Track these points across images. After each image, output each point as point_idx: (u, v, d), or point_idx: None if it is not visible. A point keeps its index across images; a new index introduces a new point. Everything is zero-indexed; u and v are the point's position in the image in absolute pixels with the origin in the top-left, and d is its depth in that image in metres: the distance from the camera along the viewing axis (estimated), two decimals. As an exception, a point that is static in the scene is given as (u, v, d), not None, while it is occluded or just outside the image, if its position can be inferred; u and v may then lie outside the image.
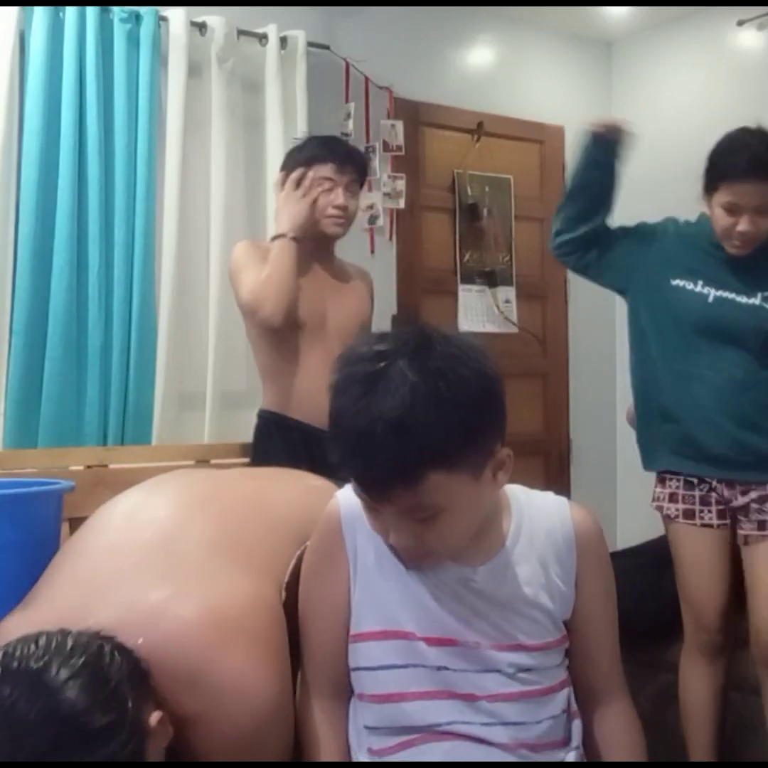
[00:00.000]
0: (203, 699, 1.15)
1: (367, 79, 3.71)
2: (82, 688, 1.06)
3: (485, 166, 4.12)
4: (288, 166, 2.58)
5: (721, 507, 2.35)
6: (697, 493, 2.36)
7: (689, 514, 2.37)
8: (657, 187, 4.11)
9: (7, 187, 2.95)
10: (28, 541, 1.64)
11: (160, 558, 1.28)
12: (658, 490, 2.43)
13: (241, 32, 3.40)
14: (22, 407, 2.93)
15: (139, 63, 3.16)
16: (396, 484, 1.06)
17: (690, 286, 2.35)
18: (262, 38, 3.44)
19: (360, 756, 1.22)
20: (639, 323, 2.45)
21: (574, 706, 1.26)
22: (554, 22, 4.26)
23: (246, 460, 2.65)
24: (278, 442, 2.54)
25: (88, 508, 2.48)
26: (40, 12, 2.97)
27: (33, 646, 1.09)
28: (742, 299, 2.31)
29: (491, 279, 4.10)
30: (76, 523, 2.45)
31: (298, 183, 2.52)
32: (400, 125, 3.82)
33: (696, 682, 2.41)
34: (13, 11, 2.95)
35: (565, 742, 1.24)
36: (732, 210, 2.23)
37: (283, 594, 1.32)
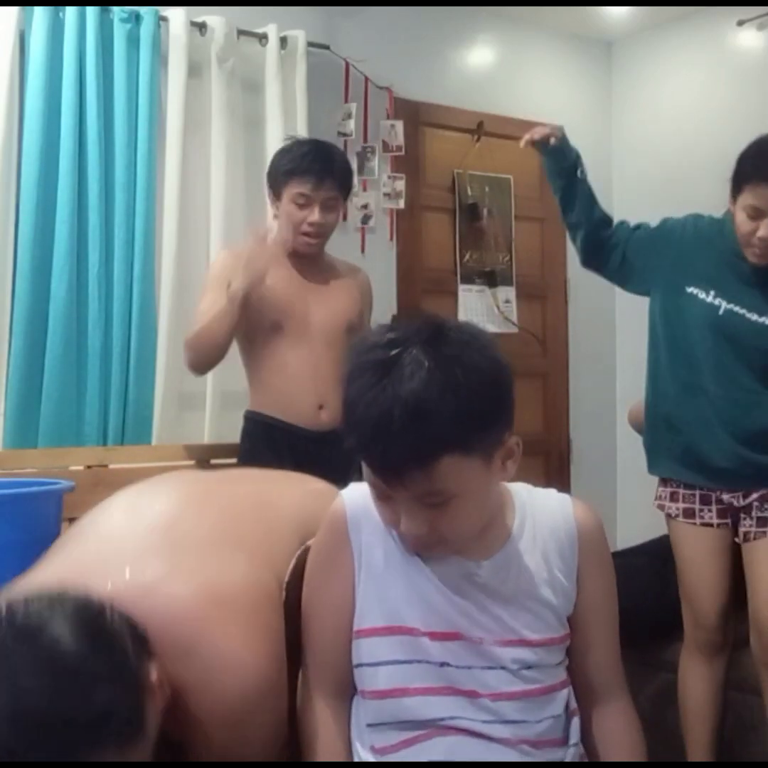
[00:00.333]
0: (194, 670, 1.16)
1: (367, 79, 3.71)
2: (82, 638, 1.07)
3: (485, 166, 4.12)
4: (270, 176, 2.63)
5: (721, 506, 2.35)
6: (697, 492, 2.36)
7: (689, 513, 2.37)
8: (657, 187, 4.11)
9: (7, 187, 2.95)
10: (28, 541, 1.64)
11: (159, 542, 1.29)
12: (661, 489, 2.44)
13: (241, 32, 3.40)
14: (22, 407, 2.93)
15: (139, 63, 3.16)
16: (412, 469, 1.07)
17: (702, 295, 2.32)
18: (262, 38, 3.44)
19: (363, 754, 1.22)
20: (655, 328, 2.43)
21: (574, 705, 1.26)
22: (554, 22, 4.26)
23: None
24: (263, 443, 2.55)
25: (88, 508, 2.48)
26: (40, 12, 2.97)
27: (35, 603, 1.10)
28: (753, 316, 2.27)
29: (491, 279, 4.10)
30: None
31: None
32: (400, 125, 3.82)
33: (695, 681, 2.42)
34: (13, 11, 2.95)
35: (566, 741, 1.24)
36: (754, 215, 2.18)
37: (283, 594, 1.32)
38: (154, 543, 1.29)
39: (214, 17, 3.33)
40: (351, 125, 3.67)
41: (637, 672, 2.81)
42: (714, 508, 2.35)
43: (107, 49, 3.11)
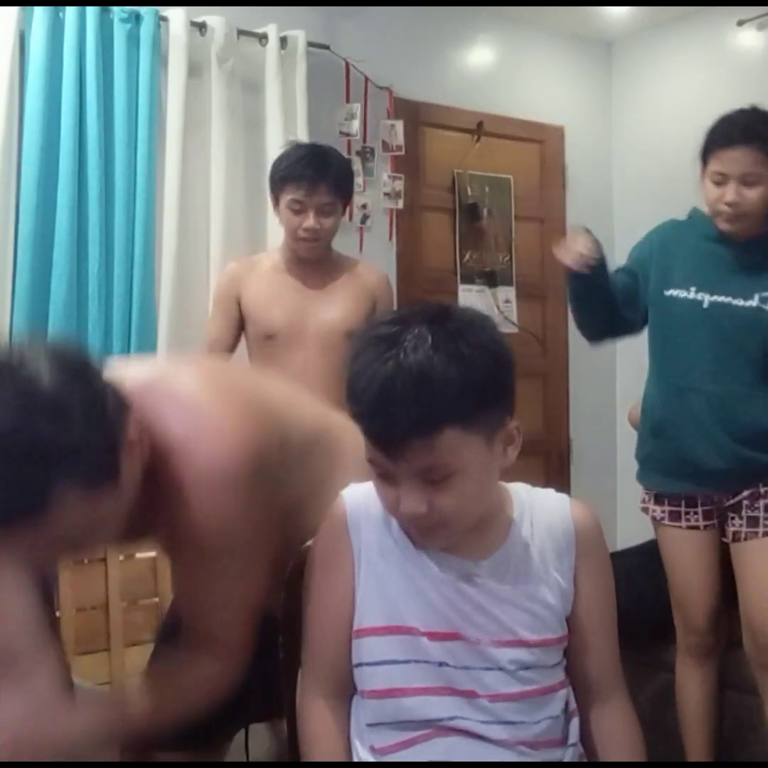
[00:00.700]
0: (184, 428, 1.21)
1: (367, 79, 3.71)
2: (62, 378, 1.08)
3: (485, 166, 4.12)
4: (270, 182, 2.64)
5: (707, 507, 2.32)
6: (683, 495, 2.33)
7: (675, 516, 2.35)
8: (657, 187, 4.11)
9: (7, 187, 2.95)
10: (28, 541, 1.64)
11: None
12: (645, 492, 2.42)
13: (241, 32, 3.40)
14: (22, 407, 2.92)
15: (139, 63, 3.16)
16: (413, 439, 1.08)
17: (683, 294, 2.28)
18: (262, 38, 3.44)
19: (362, 754, 1.22)
20: (651, 343, 2.42)
21: (573, 705, 1.26)
22: (554, 22, 4.26)
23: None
24: None
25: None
26: (40, 12, 2.97)
27: (19, 345, 1.13)
28: (739, 302, 2.23)
29: (491, 279, 4.10)
30: (76, 523, 2.46)
31: None
32: (400, 125, 3.82)
33: (689, 684, 2.42)
34: (13, 11, 2.96)
35: (564, 741, 1.24)
36: (719, 181, 2.20)
37: (283, 594, 1.33)
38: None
39: (214, 17, 3.33)
40: (355, 125, 3.67)
41: (637, 672, 2.81)
42: (700, 510, 2.32)
43: (107, 49, 3.11)
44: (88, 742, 1.26)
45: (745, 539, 2.26)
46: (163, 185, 3.21)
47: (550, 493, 1.31)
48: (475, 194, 4.10)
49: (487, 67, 4.21)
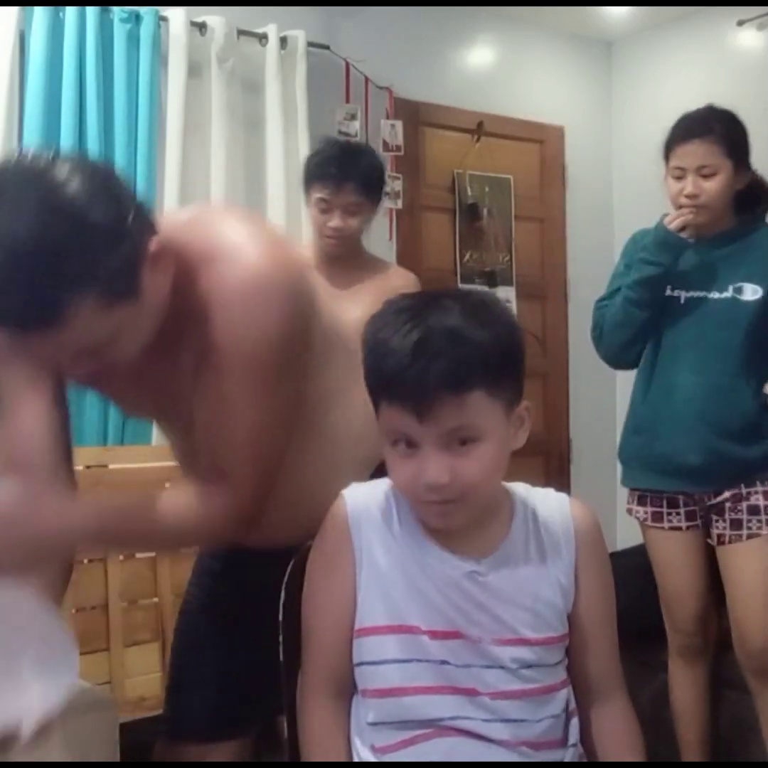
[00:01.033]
0: (230, 240, 1.22)
1: (367, 79, 3.71)
2: (87, 187, 1.08)
3: (485, 166, 4.12)
4: (303, 177, 2.62)
5: (690, 508, 2.32)
6: (665, 495, 2.34)
7: (657, 517, 2.36)
8: (657, 187, 4.11)
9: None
10: (28, 541, 1.64)
11: None
12: (629, 493, 2.43)
13: (241, 32, 3.40)
14: (22, 407, 2.92)
15: (139, 63, 3.16)
16: (445, 395, 1.11)
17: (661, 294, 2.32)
18: (262, 38, 3.44)
19: (363, 754, 1.22)
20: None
21: (573, 705, 1.26)
22: (554, 22, 4.26)
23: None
24: None
25: (88, 508, 2.49)
26: (40, 12, 2.97)
27: (45, 153, 1.13)
28: (714, 295, 2.26)
29: (491, 279, 4.10)
30: (76, 523, 2.46)
31: None
32: (399, 125, 3.82)
33: (680, 684, 2.43)
34: (13, 11, 2.96)
35: (565, 742, 1.24)
36: (679, 176, 2.25)
37: (283, 594, 1.33)
38: None
39: (214, 17, 3.33)
40: (355, 125, 3.66)
41: (637, 672, 2.80)
42: (682, 511, 2.32)
43: (107, 49, 3.11)
44: (79, 535, 1.24)
45: (730, 542, 2.26)
46: (163, 185, 3.21)
47: (550, 492, 1.32)
48: (475, 194, 4.10)
49: (487, 67, 4.21)
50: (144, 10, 3.17)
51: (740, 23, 3.90)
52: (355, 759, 1.23)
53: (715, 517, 2.29)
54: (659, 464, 2.33)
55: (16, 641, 1.07)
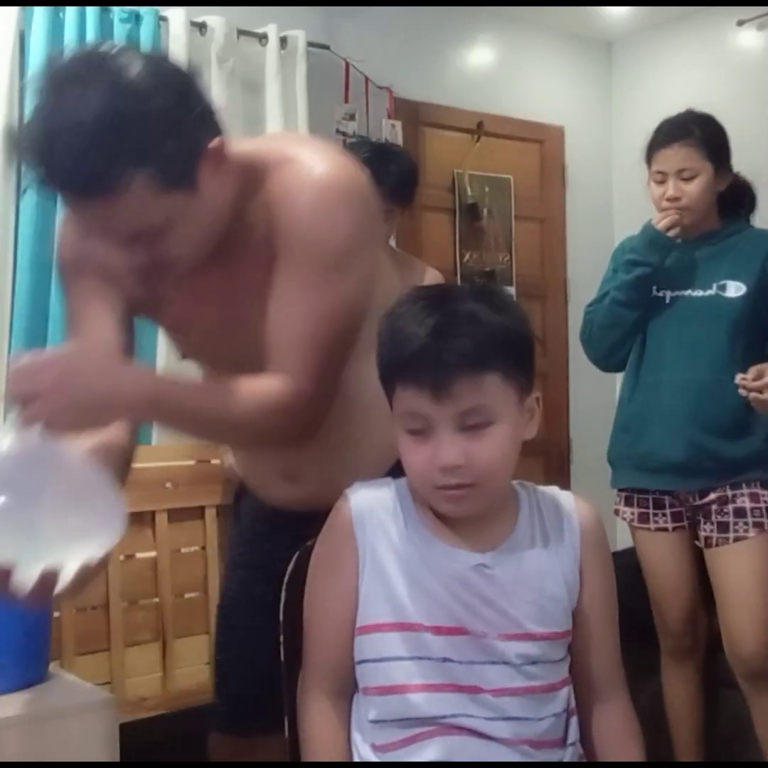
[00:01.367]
0: (306, 147, 1.33)
1: (367, 79, 3.71)
2: (154, 75, 1.16)
3: (485, 166, 4.12)
4: None
5: (676, 509, 2.33)
6: (650, 496, 2.36)
7: (644, 518, 2.37)
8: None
9: (7, 187, 2.94)
10: (28, 541, 1.64)
11: None
12: (617, 494, 2.45)
13: (241, 32, 3.40)
14: (22, 407, 2.92)
15: (139, 63, 3.16)
16: (463, 374, 1.14)
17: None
18: (262, 38, 3.44)
19: (363, 752, 1.22)
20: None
21: (572, 704, 1.26)
22: (554, 22, 4.26)
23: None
24: None
25: (88, 508, 2.50)
26: (40, 12, 2.97)
27: (121, 44, 1.26)
28: (698, 293, 2.30)
29: (491, 279, 4.10)
30: (76, 523, 2.47)
31: None
32: (399, 125, 3.82)
33: (672, 685, 2.44)
34: (13, 11, 2.95)
35: (564, 741, 1.24)
36: (660, 181, 2.31)
37: (283, 594, 1.33)
38: None
39: (214, 17, 3.33)
40: (354, 126, 3.66)
41: (637, 671, 2.80)
42: (668, 512, 2.34)
43: (107, 49, 3.11)
44: (131, 397, 1.21)
45: (717, 545, 2.27)
46: (163, 185, 3.20)
47: (555, 489, 1.33)
48: (475, 194, 4.10)
49: (487, 67, 4.21)
50: (144, 10, 3.17)
51: (740, 23, 3.90)
52: (356, 757, 1.23)
53: (702, 520, 2.30)
54: (645, 462, 2.35)
55: (66, 494, 1.10)
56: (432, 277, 2.77)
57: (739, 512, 2.24)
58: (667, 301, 2.32)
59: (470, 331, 1.14)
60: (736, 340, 2.26)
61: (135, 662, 2.58)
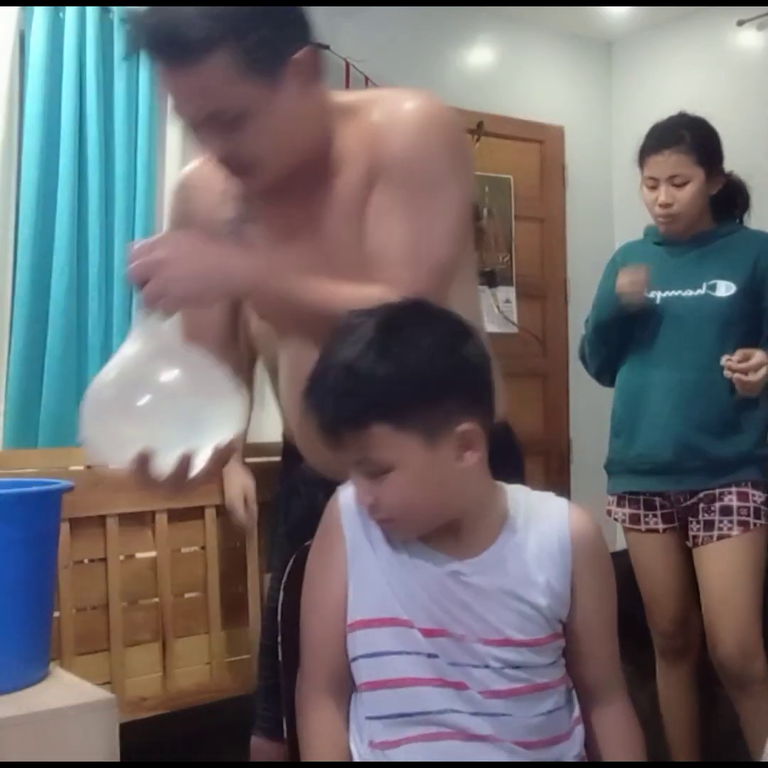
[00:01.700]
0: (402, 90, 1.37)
1: (367, 79, 3.71)
2: None
3: (485, 166, 4.12)
4: None
5: (667, 510, 2.33)
6: (641, 497, 2.36)
7: (634, 519, 2.38)
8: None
9: (7, 187, 2.95)
10: (28, 541, 1.65)
11: None
12: (609, 496, 2.45)
13: (241, 32, 3.39)
14: (22, 407, 2.93)
15: (139, 63, 3.16)
16: (343, 431, 1.13)
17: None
18: (262, 38, 3.44)
19: (362, 749, 1.22)
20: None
21: (577, 712, 1.26)
22: (554, 22, 4.26)
23: (250, 460, 2.66)
24: None
25: (88, 508, 2.50)
26: (40, 12, 2.97)
27: None
28: (688, 292, 2.31)
29: (491, 279, 4.10)
30: (76, 523, 2.47)
31: None
32: (400, 125, 3.82)
33: (666, 685, 2.44)
34: (13, 11, 2.95)
35: (560, 739, 1.23)
36: (652, 186, 2.32)
37: (282, 595, 1.33)
38: None
39: (214, 17, 3.33)
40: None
41: (637, 672, 2.80)
42: (659, 512, 2.34)
43: (107, 49, 3.11)
44: (243, 279, 1.26)
45: (702, 544, 2.26)
46: (163, 185, 3.20)
47: (550, 496, 1.30)
48: (475, 194, 4.10)
49: (487, 67, 4.21)
50: (144, 11, 3.17)
51: (740, 23, 3.90)
52: (355, 754, 1.23)
53: (690, 519, 2.30)
54: (635, 464, 2.36)
55: (195, 387, 1.21)
56: None
57: (726, 510, 2.24)
58: (658, 301, 2.33)
59: (347, 389, 1.10)
60: (726, 339, 2.25)
61: (135, 662, 2.58)
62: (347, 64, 3.66)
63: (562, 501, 1.29)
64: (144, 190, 3.14)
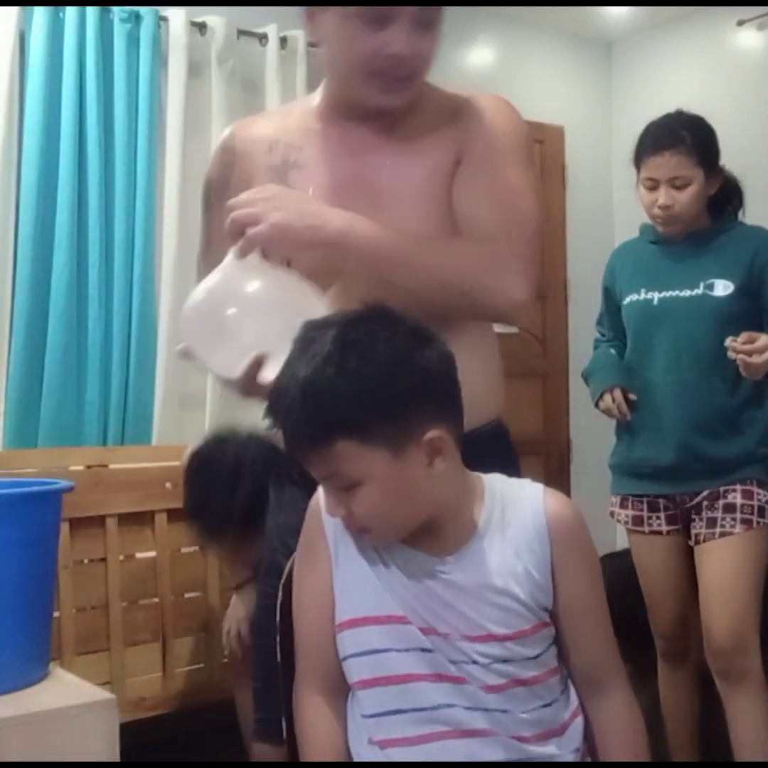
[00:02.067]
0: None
1: (367, 79, 3.71)
2: None
3: (485, 166, 4.12)
4: None
5: (670, 512, 2.32)
6: (645, 499, 2.34)
7: (638, 521, 2.36)
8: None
9: (7, 187, 2.95)
10: (28, 541, 1.65)
11: None
12: (613, 497, 2.44)
13: (241, 32, 3.40)
14: (22, 407, 2.93)
15: (139, 63, 3.16)
16: (307, 448, 1.13)
17: (635, 297, 2.36)
18: (262, 38, 3.44)
19: (361, 748, 1.22)
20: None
21: (574, 705, 1.25)
22: (554, 22, 4.26)
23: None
24: None
25: (88, 508, 2.50)
26: (40, 12, 2.97)
27: None
28: (686, 293, 2.29)
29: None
30: (76, 523, 2.47)
31: None
32: (400, 125, 3.82)
33: (666, 686, 2.43)
34: (13, 11, 2.95)
35: (556, 733, 1.23)
36: (651, 187, 2.29)
37: (280, 594, 1.33)
38: None
39: (214, 17, 3.33)
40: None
41: (638, 671, 2.80)
42: (663, 515, 2.32)
43: (107, 49, 3.11)
44: (356, 236, 1.32)
45: (704, 541, 2.24)
46: (163, 185, 3.21)
47: (525, 483, 1.28)
48: (475, 194, 4.09)
49: (487, 67, 4.20)
50: (144, 10, 3.17)
51: (740, 23, 3.90)
52: (353, 753, 1.23)
53: (694, 517, 2.28)
54: (637, 467, 2.34)
55: (279, 300, 1.30)
56: None
57: (729, 508, 2.22)
58: (655, 302, 2.32)
59: (307, 408, 1.10)
60: (724, 339, 2.19)
61: (135, 662, 2.58)
62: (347, 64, 3.66)
63: (537, 486, 1.27)
64: (144, 190, 3.14)
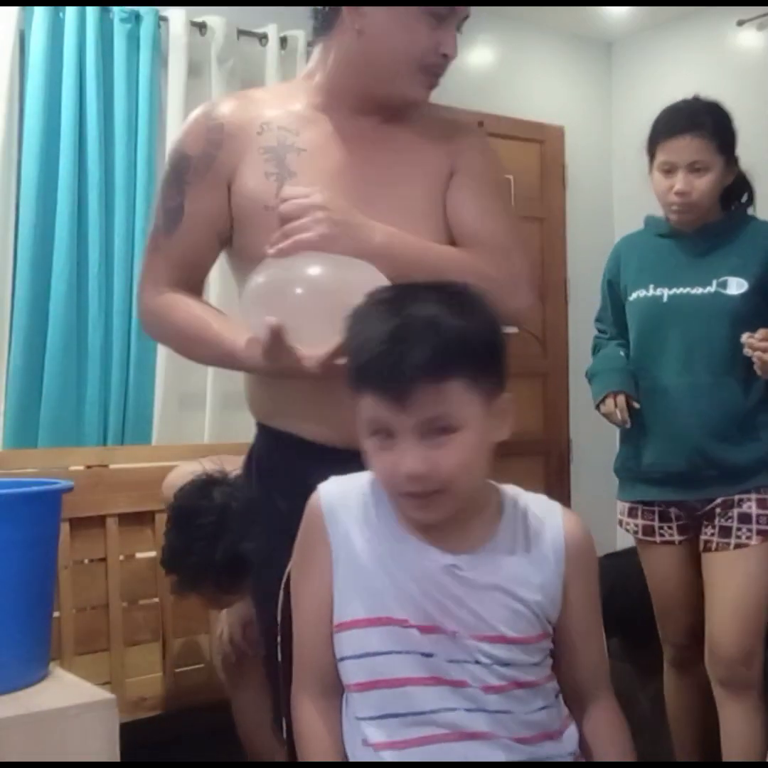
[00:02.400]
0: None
1: (367, 79, 3.71)
2: None
3: (485, 166, 4.12)
4: None
5: (682, 522, 2.24)
6: (656, 508, 2.26)
7: (649, 531, 2.27)
8: (657, 187, 4.11)
9: (7, 187, 2.95)
10: (28, 541, 1.65)
11: None
12: (620, 505, 2.35)
13: (241, 32, 3.40)
14: (22, 407, 2.93)
15: (139, 63, 3.16)
16: (423, 383, 1.11)
17: (643, 293, 2.25)
18: (262, 38, 3.45)
19: (356, 750, 1.22)
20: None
21: (566, 711, 1.26)
22: (554, 22, 4.26)
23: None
24: None
25: (88, 508, 2.50)
26: (40, 12, 2.97)
27: None
28: (698, 291, 2.18)
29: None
30: (76, 523, 2.47)
31: None
32: (400, 125, 3.82)
33: (673, 692, 2.38)
34: (13, 11, 2.96)
35: (553, 735, 1.23)
36: (668, 171, 2.20)
37: (281, 594, 1.33)
38: None
39: (214, 17, 3.33)
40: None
41: (637, 672, 2.81)
42: (674, 524, 2.24)
43: (107, 49, 3.11)
44: (376, 241, 1.41)
45: (716, 550, 2.16)
46: (163, 185, 3.21)
47: (542, 499, 1.30)
48: (475, 194, 4.09)
49: (487, 67, 4.21)
50: (144, 10, 3.17)
51: (740, 23, 3.91)
52: (349, 754, 1.23)
53: (705, 523, 2.20)
54: (647, 473, 2.26)
55: (345, 280, 1.35)
56: None
57: (744, 518, 2.14)
58: (665, 299, 2.22)
59: (428, 339, 1.10)
60: (737, 339, 2.11)
61: (135, 662, 2.58)
62: (347, 64, 3.66)
63: (555, 505, 1.29)
64: (144, 189, 3.14)
